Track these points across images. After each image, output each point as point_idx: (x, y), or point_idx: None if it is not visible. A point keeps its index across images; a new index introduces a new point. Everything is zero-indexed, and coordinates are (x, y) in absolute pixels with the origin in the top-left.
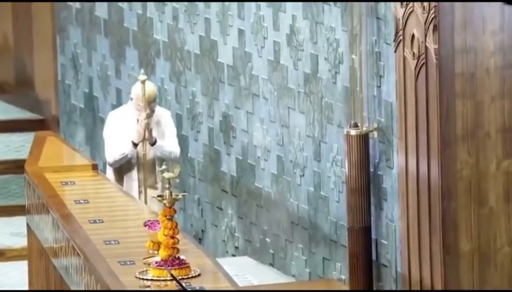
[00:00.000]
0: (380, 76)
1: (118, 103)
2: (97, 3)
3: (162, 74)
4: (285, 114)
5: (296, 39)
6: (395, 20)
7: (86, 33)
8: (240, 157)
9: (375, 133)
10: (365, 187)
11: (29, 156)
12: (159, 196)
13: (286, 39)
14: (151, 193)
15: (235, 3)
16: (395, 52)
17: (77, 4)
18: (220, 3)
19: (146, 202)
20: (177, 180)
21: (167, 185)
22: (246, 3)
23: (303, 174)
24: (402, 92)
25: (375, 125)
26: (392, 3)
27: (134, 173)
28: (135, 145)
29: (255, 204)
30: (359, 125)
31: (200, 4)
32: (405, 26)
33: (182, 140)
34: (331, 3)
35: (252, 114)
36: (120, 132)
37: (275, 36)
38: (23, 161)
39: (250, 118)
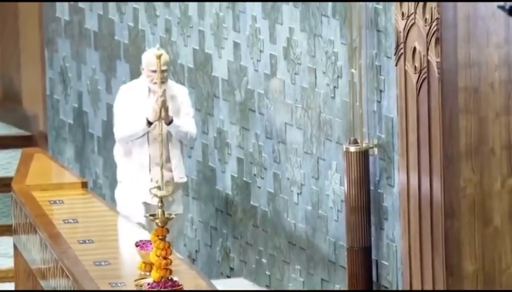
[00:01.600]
0: (380, 90)
1: (109, 119)
2: (87, 16)
3: None
4: (282, 130)
5: (293, 52)
6: (396, 33)
7: (75, 46)
8: (235, 175)
9: (375, 150)
10: (365, 206)
11: (16, 173)
12: (150, 215)
13: (283, 53)
14: (165, 174)
15: (230, 15)
16: (396, 65)
17: (66, 16)
18: (215, 15)
19: (161, 182)
20: (170, 199)
21: (159, 204)
22: (241, 15)
23: (301, 193)
24: (403, 107)
25: (375, 141)
26: (393, 15)
27: (145, 149)
28: (149, 123)
29: (250, 223)
30: (358, 141)
31: (194, 16)
32: (406, 39)
33: None
34: (330, 15)
35: (247, 130)
36: (131, 107)
37: (271, 49)
38: (10, 179)
39: (245, 135)
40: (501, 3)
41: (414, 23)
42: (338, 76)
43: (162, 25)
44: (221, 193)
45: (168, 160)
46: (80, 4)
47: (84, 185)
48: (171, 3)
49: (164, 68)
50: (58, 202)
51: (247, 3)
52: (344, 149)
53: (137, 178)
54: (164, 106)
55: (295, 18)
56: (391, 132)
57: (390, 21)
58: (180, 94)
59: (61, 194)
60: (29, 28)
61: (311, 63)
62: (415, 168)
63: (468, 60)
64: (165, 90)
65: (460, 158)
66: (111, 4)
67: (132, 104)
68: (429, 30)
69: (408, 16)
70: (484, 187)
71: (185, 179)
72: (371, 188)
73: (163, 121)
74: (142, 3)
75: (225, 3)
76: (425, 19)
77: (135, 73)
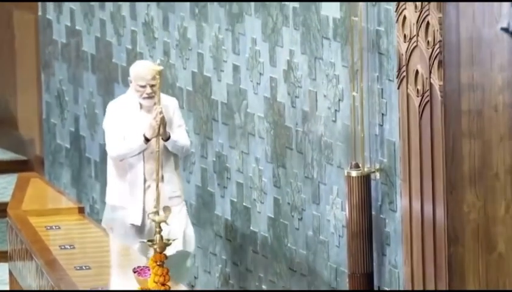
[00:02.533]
0: (382, 114)
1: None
2: (84, 38)
3: None
4: (282, 154)
5: (294, 75)
6: (398, 55)
7: (72, 69)
8: (235, 200)
9: (377, 174)
10: (366, 231)
11: (12, 198)
12: (148, 240)
13: (283, 75)
14: (160, 188)
15: (229, 38)
16: (398, 88)
17: (63, 39)
18: (214, 37)
19: (157, 200)
20: (168, 224)
21: (157, 229)
22: (241, 38)
23: (301, 218)
24: (405, 131)
25: (377, 166)
26: (395, 38)
27: (141, 165)
28: (147, 140)
29: (250, 249)
30: (360, 165)
31: (193, 38)
32: (408, 61)
33: None
34: (331, 37)
35: (247, 154)
36: (123, 123)
37: (271, 72)
38: (5, 204)
39: (245, 159)
40: (505, 25)
41: (416, 45)
42: (339, 100)
43: (161, 48)
44: (220, 218)
45: (162, 174)
46: (77, 26)
47: (81, 210)
48: (170, 26)
49: (153, 82)
50: (54, 227)
51: (247, 26)
52: (345, 174)
53: (129, 201)
54: (163, 122)
55: (296, 41)
56: (394, 157)
57: (392, 43)
58: (171, 106)
59: (58, 220)
60: (25, 51)
61: (312, 86)
62: (417, 192)
63: (471, 83)
64: (161, 106)
65: (464, 183)
66: (109, 26)
67: (123, 120)
68: (432, 52)
69: (411, 39)
70: (488, 212)
71: (178, 194)
72: (373, 213)
73: (160, 137)
74: (140, 26)
75: (224, 26)
76: (428, 41)
77: None
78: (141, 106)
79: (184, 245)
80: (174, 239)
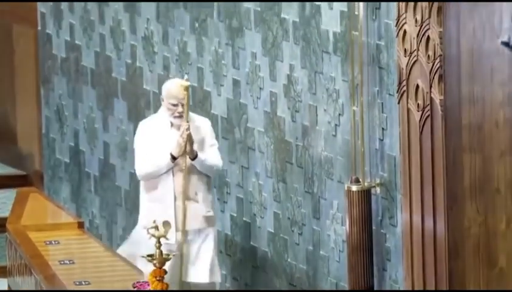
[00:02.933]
0: (382, 128)
1: (106, 157)
2: (84, 53)
3: None
4: (282, 169)
5: (294, 89)
6: (398, 69)
7: (71, 83)
8: (235, 215)
9: (378, 189)
10: (367, 246)
11: (11, 213)
12: (148, 255)
13: (283, 90)
14: (192, 206)
15: (229, 52)
16: (398, 103)
17: (62, 53)
18: (214, 52)
19: (184, 218)
20: (168, 239)
21: (157, 244)
22: (241, 52)
23: (302, 233)
24: (406, 146)
25: (378, 180)
26: (395, 52)
27: (170, 182)
28: (174, 158)
29: (250, 264)
30: (360, 180)
31: (193, 53)
32: (409, 76)
33: None
34: (331, 52)
35: (247, 168)
36: (152, 142)
37: (271, 87)
38: (4, 219)
39: (245, 173)
40: (505, 39)
41: (417, 60)
42: (339, 114)
43: (160, 62)
44: (220, 233)
45: (195, 193)
46: (77, 41)
47: (81, 225)
48: (170, 41)
49: (183, 100)
50: (53, 242)
51: (247, 40)
52: (346, 188)
53: (160, 221)
54: (190, 140)
55: (296, 55)
56: (394, 171)
57: (392, 58)
58: (204, 126)
59: (57, 235)
60: (25, 66)
61: (312, 100)
62: (418, 207)
63: (472, 97)
64: (189, 124)
65: (464, 197)
66: (108, 41)
67: (153, 139)
68: (432, 66)
69: (411, 53)
70: (489, 227)
71: (211, 213)
72: (374, 228)
73: (187, 155)
74: (140, 40)
75: (224, 40)
76: (428, 55)
77: (132, 111)
78: (171, 124)
79: (211, 276)
80: (174, 255)
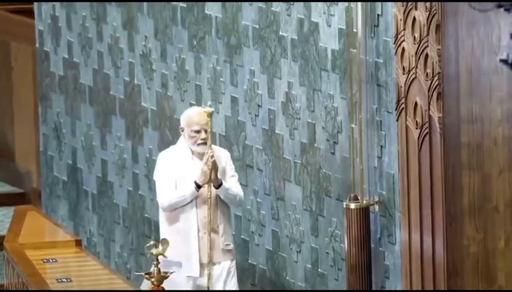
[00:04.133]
0: (381, 146)
1: (104, 175)
2: (82, 70)
3: (150, 144)
4: (280, 186)
5: (292, 107)
6: (397, 87)
7: (69, 101)
8: (233, 233)
9: (376, 207)
10: (365, 264)
11: (8, 231)
12: (146, 273)
13: (282, 107)
14: (213, 239)
15: (227, 69)
16: (397, 120)
17: (60, 71)
18: (212, 69)
19: (209, 250)
20: (166, 257)
21: (155, 262)
22: (239, 70)
23: (300, 251)
24: (404, 163)
25: (376, 198)
26: (394, 70)
27: (193, 214)
28: (198, 186)
29: (249, 282)
30: (359, 198)
31: (191, 70)
32: (407, 93)
33: None
34: (329, 69)
35: (245, 186)
36: (174, 173)
37: (269, 104)
38: (2, 237)
39: (243, 191)
40: (504, 57)
41: (415, 77)
42: (338, 132)
43: (158, 80)
44: None
45: (217, 225)
46: (75, 58)
47: (78, 243)
48: (168, 58)
49: (207, 127)
50: (51, 261)
51: (245, 57)
52: (344, 206)
53: (183, 254)
54: (214, 167)
55: (294, 72)
56: (393, 189)
57: (390, 75)
58: (224, 156)
59: (55, 253)
60: (23, 84)
61: (310, 118)
62: (416, 225)
63: (471, 115)
64: (213, 153)
65: (463, 216)
66: (106, 58)
67: (175, 170)
68: (431, 84)
69: (409, 71)
70: (488, 245)
71: (231, 247)
72: (372, 246)
73: (212, 184)
74: (138, 57)
75: (222, 58)
76: (427, 73)
77: (130, 129)
78: (192, 152)
79: None
80: (171, 272)
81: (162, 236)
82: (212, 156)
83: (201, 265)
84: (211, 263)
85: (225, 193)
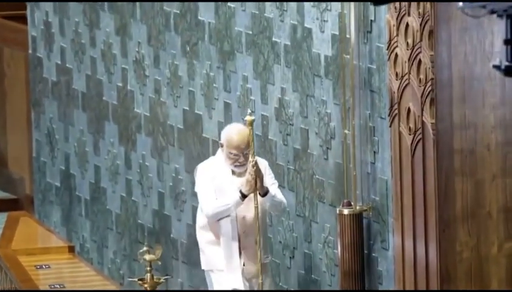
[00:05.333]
0: (374, 152)
1: (97, 181)
2: (75, 76)
3: (143, 150)
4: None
5: (285, 112)
6: (390, 93)
7: (62, 107)
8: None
9: (369, 213)
10: (359, 270)
11: (1, 237)
12: (139, 279)
13: (275, 113)
14: (252, 251)
15: (220, 75)
16: (390, 126)
17: (53, 77)
18: (205, 75)
19: (260, 255)
20: (159, 263)
21: (148, 268)
22: (233, 75)
23: (293, 256)
24: (397, 169)
25: (369, 204)
26: (387, 76)
27: (234, 225)
28: (244, 196)
29: None
30: (352, 203)
31: (184, 76)
32: (400, 99)
33: (164, 220)
34: (322, 75)
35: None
36: (213, 184)
37: (263, 110)
38: None
39: None
40: (497, 63)
41: (408, 83)
42: (331, 137)
43: (152, 86)
44: None
45: (256, 238)
46: (68, 64)
47: (71, 249)
48: (161, 64)
49: (247, 151)
50: (44, 267)
51: (238, 63)
52: (337, 212)
53: (227, 266)
54: (259, 175)
55: (287, 78)
56: (386, 195)
57: (383, 81)
58: (262, 166)
59: (48, 259)
60: (16, 89)
61: (303, 124)
62: (409, 231)
63: (464, 121)
64: (256, 160)
65: (456, 221)
66: (99, 64)
67: (214, 182)
68: (424, 90)
69: (403, 76)
70: (481, 251)
71: (269, 259)
72: (365, 252)
73: (257, 192)
74: (131, 63)
75: (216, 63)
76: (420, 79)
77: (123, 135)
78: (233, 172)
79: None
80: (165, 278)
81: (202, 249)
82: (255, 165)
83: (244, 279)
84: (249, 276)
85: (272, 201)
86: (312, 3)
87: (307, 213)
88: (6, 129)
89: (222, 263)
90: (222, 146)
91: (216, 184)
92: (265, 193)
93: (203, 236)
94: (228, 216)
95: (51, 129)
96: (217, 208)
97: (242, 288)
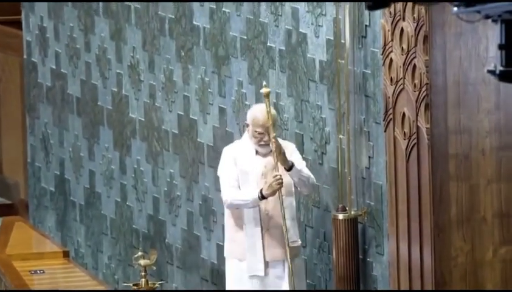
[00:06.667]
0: (369, 157)
1: (91, 186)
2: (70, 81)
3: (138, 155)
4: None
5: (280, 117)
6: (385, 98)
7: (57, 112)
8: (221, 243)
9: (364, 217)
10: (354, 275)
11: None
12: (134, 284)
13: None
14: (278, 234)
15: (215, 80)
16: (385, 131)
17: (48, 82)
18: (200, 80)
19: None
20: (154, 268)
21: (143, 273)
22: (227, 80)
23: None
24: (392, 174)
25: (364, 209)
26: (382, 81)
27: (256, 210)
28: (263, 197)
29: None
30: (347, 208)
31: (179, 81)
32: (395, 104)
33: (159, 225)
34: (317, 80)
35: None
36: (237, 168)
37: None
38: None
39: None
40: (492, 68)
41: (403, 88)
42: (326, 142)
43: (146, 90)
44: (207, 261)
45: (283, 219)
46: (63, 69)
47: (66, 254)
48: (156, 69)
49: (273, 129)
50: (39, 272)
51: (233, 68)
52: (332, 217)
53: (247, 252)
54: (280, 150)
55: (282, 83)
56: (381, 200)
57: (378, 86)
58: (289, 148)
59: (42, 264)
60: (10, 94)
61: (298, 129)
62: (404, 236)
63: (458, 126)
64: (276, 136)
65: (451, 226)
66: (94, 69)
67: (238, 164)
68: (418, 95)
69: (397, 81)
70: (476, 256)
71: (299, 243)
72: (360, 256)
73: (283, 166)
74: (126, 68)
75: (210, 68)
76: (415, 84)
77: (118, 140)
78: (256, 152)
79: None
80: (160, 283)
81: (226, 233)
82: (274, 139)
83: (266, 264)
84: (275, 261)
85: (298, 175)
86: (306, 8)
87: (302, 218)
88: (1, 134)
89: (241, 253)
90: (247, 126)
91: (240, 166)
92: (290, 167)
93: (227, 221)
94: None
95: (46, 134)
96: (235, 201)
97: (262, 274)
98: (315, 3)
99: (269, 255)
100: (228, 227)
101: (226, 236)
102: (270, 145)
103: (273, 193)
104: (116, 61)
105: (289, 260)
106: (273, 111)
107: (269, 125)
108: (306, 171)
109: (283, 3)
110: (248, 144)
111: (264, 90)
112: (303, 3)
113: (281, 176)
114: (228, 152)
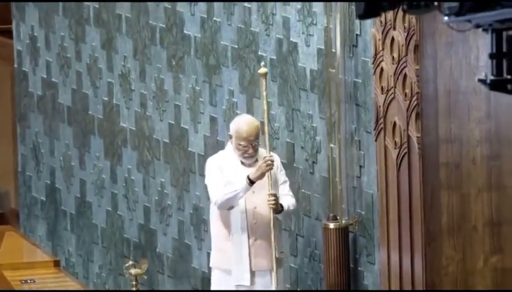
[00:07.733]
0: (360, 166)
1: (82, 195)
2: (60, 90)
3: (129, 164)
4: None
5: (271, 126)
6: (376, 107)
7: (48, 121)
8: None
9: (355, 226)
10: (345, 284)
11: None
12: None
13: (261, 127)
14: (264, 245)
15: (206, 89)
16: (376, 140)
17: (39, 91)
18: (191, 89)
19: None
20: (145, 277)
21: (134, 282)
22: (218, 89)
23: None
24: (383, 183)
25: (355, 218)
26: (373, 90)
27: (243, 219)
28: (251, 182)
29: None
30: (338, 217)
31: (170, 90)
32: (386, 113)
33: (150, 234)
34: (308, 89)
35: None
36: (225, 174)
37: None
38: None
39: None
40: (482, 77)
41: (394, 97)
42: (317, 151)
43: (137, 99)
44: (197, 270)
45: (269, 230)
46: (53, 78)
47: (57, 263)
48: (147, 78)
49: (256, 143)
50: (29, 281)
51: (224, 77)
52: (323, 226)
53: (234, 261)
54: (277, 208)
55: (273, 92)
56: (372, 209)
57: (369, 95)
58: (275, 162)
59: (33, 274)
60: (1, 103)
61: (289, 138)
62: (395, 245)
63: (449, 135)
64: (272, 156)
65: (442, 235)
66: (85, 78)
67: (223, 174)
68: (409, 104)
69: (388, 90)
70: (466, 265)
71: (284, 255)
72: (351, 266)
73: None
74: (117, 77)
75: (201, 77)
76: (405, 93)
77: (109, 149)
78: (242, 163)
79: None
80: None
81: (212, 244)
82: (269, 157)
83: (252, 273)
84: (259, 271)
85: (286, 213)
86: (297, 17)
87: (293, 227)
88: None
89: (228, 263)
90: (231, 137)
91: (226, 176)
92: (280, 211)
93: (214, 230)
94: (238, 209)
95: (37, 143)
96: (226, 195)
97: (248, 284)
98: (306, 12)
99: (255, 264)
100: (215, 236)
101: (213, 246)
102: (266, 159)
103: (261, 176)
104: (107, 70)
105: (275, 270)
106: (256, 122)
107: (265, 115)
108: (291, 202)
109: (274, 12)
110: (232, 154)
111: (261, 70)
112: (294, 12)
113: (271, 156)
114: (214, 162)
